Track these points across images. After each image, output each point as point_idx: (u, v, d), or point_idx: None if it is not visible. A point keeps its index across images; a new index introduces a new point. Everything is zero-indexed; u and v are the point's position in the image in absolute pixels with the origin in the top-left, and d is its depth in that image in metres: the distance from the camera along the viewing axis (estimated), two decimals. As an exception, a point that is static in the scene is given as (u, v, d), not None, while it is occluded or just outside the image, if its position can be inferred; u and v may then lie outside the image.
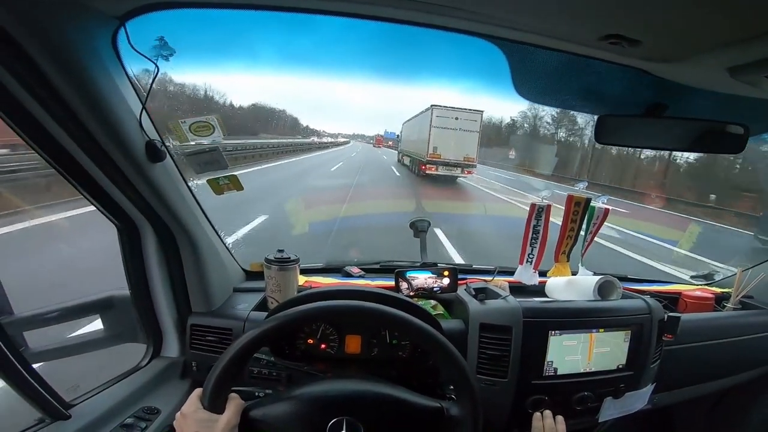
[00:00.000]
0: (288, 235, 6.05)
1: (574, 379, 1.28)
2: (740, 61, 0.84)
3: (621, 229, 8.84)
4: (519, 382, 1.23)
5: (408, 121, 21.85)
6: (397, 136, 27.54)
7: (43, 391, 0.91)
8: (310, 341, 1.24)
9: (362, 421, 0.86)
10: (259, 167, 15.34)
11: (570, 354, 1.27)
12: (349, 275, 1.64)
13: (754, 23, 0.70)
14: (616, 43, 0.83)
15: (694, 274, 1.98)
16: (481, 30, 0.92)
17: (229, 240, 1.46)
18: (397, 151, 27.96)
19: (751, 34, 0.73)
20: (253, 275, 1.56)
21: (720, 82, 0.97)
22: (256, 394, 1.06)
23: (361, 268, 1.68)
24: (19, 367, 0.86)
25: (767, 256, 1.79)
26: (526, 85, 1.20)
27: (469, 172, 15.97)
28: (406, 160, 21.51)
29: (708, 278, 1.94)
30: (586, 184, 1.49)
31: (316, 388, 0.91)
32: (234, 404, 0.82)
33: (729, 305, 1.69)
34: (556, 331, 1.25)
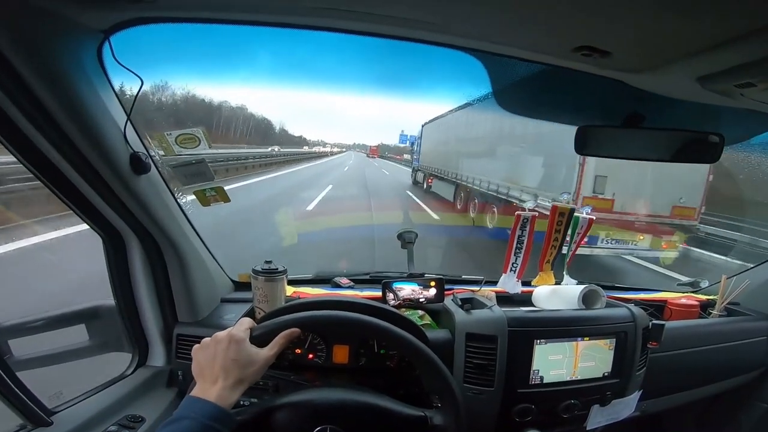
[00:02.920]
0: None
1: (560, 388, 1.28)
2: (708, 70, 0.87)
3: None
4: (505, 391, 1.23)
5: (443, 116, 12.49)
6: (412, 145, 16.95)
7: (25, 398, 0.91)
8: (298, 351, 1.25)
9: (346, 430, 0.87)
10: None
11: (555, 362, 1.28)
12: (338, 286, 1.65)
13: (717, 33, 0.73)
14: (588, 54, 0.86)
15: (680, 282, 2.00)
16: (457, 43, 0.95)
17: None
18: (411, 168, 17.36)
19: (715, 43, 0.75)
20: (241, 286, 1.56)
21: (692, 92, 0.99)
22: (242, 402, 1.06)
23: (350, 279, 1.68)
24: (2, 374, 0.87)
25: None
26: (507, 97, 1.22)
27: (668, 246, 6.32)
28: (442, 189, 11.89)
29: (694, 286, 1.94)
30: (570, 195, 1.50)
31: (301, 396, 0.92)
32: (278, 344, 0.87)
33: (714, 312, 1.70)
34: (541, 340, 1.26)
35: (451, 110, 11.66)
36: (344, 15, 0.87)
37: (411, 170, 17.52)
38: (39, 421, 0.95)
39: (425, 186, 14.05)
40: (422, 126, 14.77)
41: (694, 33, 0.74)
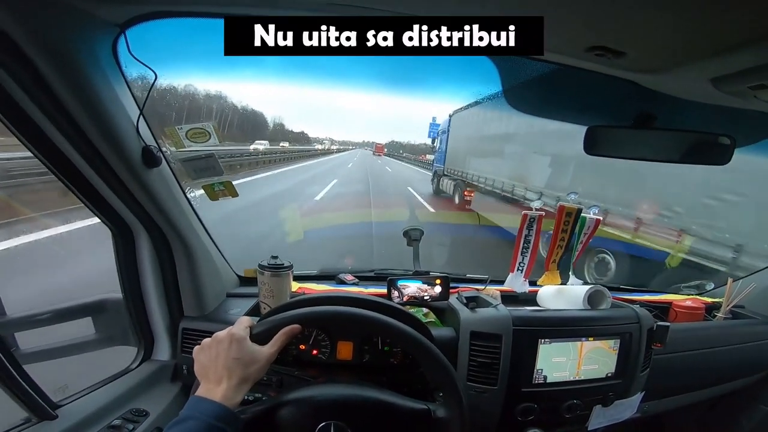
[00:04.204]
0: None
1: (563, 387, 1.28)
2: (723, 71, 0.87)
3: None
4: (509, 390, 1.24)
5: (490, 100, 8.77)
6: (434, 141, 13.05)
7: (31, 391, 0.92)
8: (302, 347, 1.25)
9: (350, 425, 0.87)
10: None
11: (559, 362, 1.28)
12: (342, 282, 1.65)
13: (733, 35, 0.73)
14: (601, 54, 0.86)
15: (686, 284, 2.00)
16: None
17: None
18: (432, 173, 12.82)
19: (730, 45, 0.76)
20: (247, 281, 1.57)
21: (706, 93, 0.99)
22: (246, 397, 1.06)
23: (355, 276, 1.68)
24: (9, 366, 0.88)
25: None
26: (517, 96, 1.22)
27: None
28: (495, 211, 7.60)
29: (699, 288, 1.95)
30: (577, 195, 1.50)
31: (304, 392, 0.92)
32: (280, 341, 0.87)
33: (719, 315, 1.70)
34: (546, 340, 1.26)
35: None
36: (359, 12, 0.86)
37: (433, 176, 12.71)
38: (44, 415, 0.95)
39: (457, 199, 9.79)
40: (450, 116, 10.99)
41: (709, 35, 0.74)
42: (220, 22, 0.91)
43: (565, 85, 1.20)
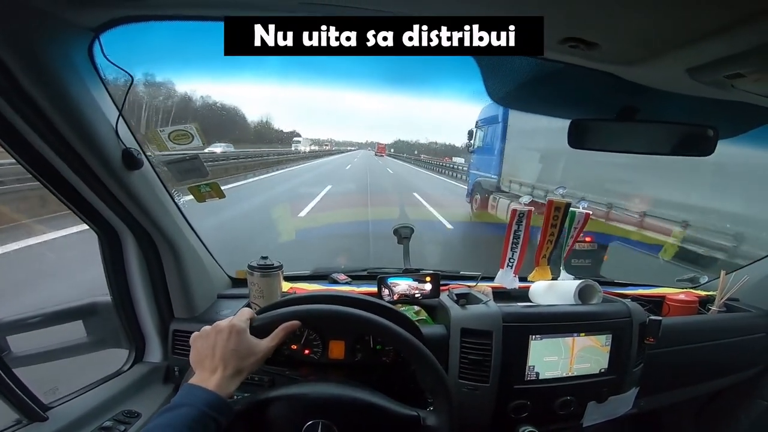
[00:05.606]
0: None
1: (556, 384, 1.28)
2: (697, 61, 0.86)
3: None
4: (501, 387, 1.23)
5: None
6: (470, 137, 8.44)
7: (21, 393, 0.92)
8: (294, 347, 1.25)
9: (338, 425, 0.87)
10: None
11: (551, 358, 1.27)
12: (335, 282, 1.65)
13: (703, 23, 0.72)
14: (575, 46, 0.85)
15: (679, 278, 1.98)
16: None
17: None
18: (469, 184, 8.92)
19: (702, 34, 0.75)
20: (239, 282, 1.58)
21: (684, 84, 0.98)
22: (236, 396, 1.07)
23: (347, 275, 1.68)
24: (-1, 370, 0.89)
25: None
26: (499, 90, 1.22)
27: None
28: None
29: (693, 282, 1.93)
30: (566, 189, 1.50)
31: (295, 389, 0.92)
32: (278, 335, 0.88)
33: (713, 308, 1.68)
34: (537, 336, 1.25)
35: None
36: (340, 11, 0.86)
37: (469, 188, 9.02)
38: (34, 417, 0.96)
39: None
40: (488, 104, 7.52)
41: (680, 24, 0.74)
42: (197, 25, 0.92)
43: (548, 79, 1.20)
